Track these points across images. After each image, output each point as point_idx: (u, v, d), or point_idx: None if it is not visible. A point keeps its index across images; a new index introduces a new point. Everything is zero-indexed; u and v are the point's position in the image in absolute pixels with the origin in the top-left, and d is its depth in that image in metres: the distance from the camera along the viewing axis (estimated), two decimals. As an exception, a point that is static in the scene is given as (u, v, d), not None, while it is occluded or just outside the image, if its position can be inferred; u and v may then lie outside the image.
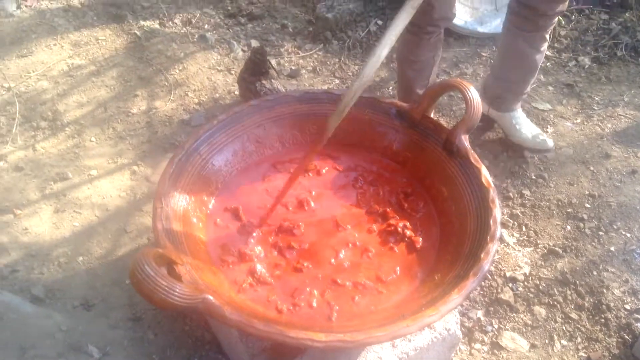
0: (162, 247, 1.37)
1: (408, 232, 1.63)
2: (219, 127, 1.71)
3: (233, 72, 2.83)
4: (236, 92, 2.68)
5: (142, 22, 3.15)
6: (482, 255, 1.43)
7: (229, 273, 1.51)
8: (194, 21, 3.22)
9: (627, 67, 2.95)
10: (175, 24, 3.20)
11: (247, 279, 1.50)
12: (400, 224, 1.63)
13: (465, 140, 1.69)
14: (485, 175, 1.61)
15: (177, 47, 2.98)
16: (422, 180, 1.78)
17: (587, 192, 2.27)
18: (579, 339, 1.83)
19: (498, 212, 1.53)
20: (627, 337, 1.82)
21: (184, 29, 3.14)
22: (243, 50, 3.00)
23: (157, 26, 3.15)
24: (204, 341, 1.78)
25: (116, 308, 1.86)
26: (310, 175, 1.79)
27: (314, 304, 1.46)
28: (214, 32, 3.13)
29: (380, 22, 3.14)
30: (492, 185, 1.60)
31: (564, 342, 1.83)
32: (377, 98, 1.83)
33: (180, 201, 1.55)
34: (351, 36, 3.07)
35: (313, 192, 1.73)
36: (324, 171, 1.80)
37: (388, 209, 1.67)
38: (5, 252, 1.98)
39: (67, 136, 2.45)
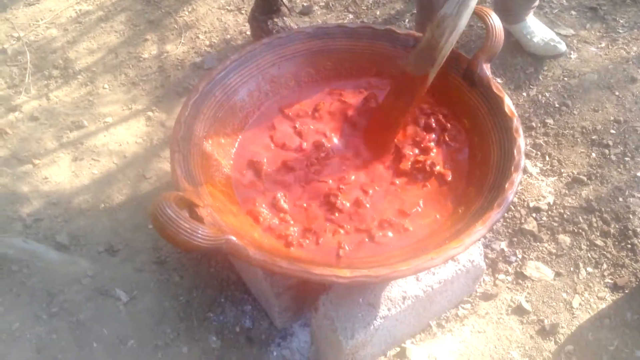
0: (182, 190, 1.37)
1: (437, 168, 1.61)
2: (232, 67, 1.67)
3: (243, 12, 2.75)
4: (248, 32, 2.62)
5: (147, -37, 3.07)
6: (506, 186, 1.41)
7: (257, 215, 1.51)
8: (201, -41, 3.12)
9: (654, -14, 2.82)
10: (183, -37, 3.11)
11: (274, 216, 1.51)
12: (429, 161, 1.60)
13: (487, 69, 1.64)
14: (508, 104, 1.57)
15: (185, -13, 2.91)
16: (443, 112, 1.73)
17: (612, 118, 2.21)
18: (605, 266, 1.82)
19: (522, 141, 1.50)
20: (654, 262, 1.81)
21: (192, -32, 3.06)
22: (253, -13, 2.91)
23: (164, -34, 3.06)
24: (229, 282, 1.80)
25: (140, 252, 1.87)
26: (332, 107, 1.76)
27: (327, 240, 1.46)
28: (222, -30, 3.03)
29: (392, -49, 3.02)
30: (516, 114, 1.55)
31: (589, 269, 1.82)
32: (393, 29, 1.77)
33: (197, 144, 1.53)
34: (364, -33, 2.96)
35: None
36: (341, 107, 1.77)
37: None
38: (27, 202, 1.99)
39: (79, 84, 2.42)
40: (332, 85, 1.81)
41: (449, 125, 1.69)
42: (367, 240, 1.48)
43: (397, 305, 1.53)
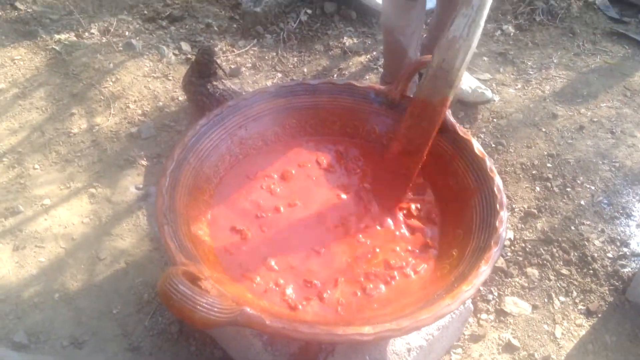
0: (179, 265, 1.29)
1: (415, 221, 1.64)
2: (202, 132, 1.62)
3: (171, 78, 2.70)
4: (180, 98, 2.57)
5: (56, 36, 2.93)
6: (497, 224, 1.45)
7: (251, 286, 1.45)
8: (112, 29, 3.04)
9: (548, 30, 3.11)
10: (93, 34, 3.00)
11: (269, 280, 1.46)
12: (413, 206, 1.63)
13: (449, 114, 1.70)
14: (477, 146, 1.63)
15: (104, 57, 2.80)
16: (411, 160, 1.78)
17: (545, 153, 2.36)
18: (575, 293, 1.91)
19: (499, 179, 1.56)
20: (617, 283, 1.92)
21: (104, 38, 2.96)
22: (174, 54, 2.87)
23: (75, 38, 2.94)
24: (215, 359, 1.69)
25: (110, 340, 1.73)
26: (294, 172, 1.74)
27: (341, 300, 1.43)
28: (138, 38, 2.96)
29: (309, 11, 3.10)
30: (486, 154, 1.62)
31: (562, 298, 1.90)
32: (353, 83, 1.80)
33: (182, 214, 1.46)
34: (284, 28, 3.01)
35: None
36: (309, 166, 1.76)
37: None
38: (-31, 302, 1.79)
39: (5, 167, 2.24)
40: (299, 142, 1.81)
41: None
42: (359, 294, 1.46)
43: (404, 358, 1.51)
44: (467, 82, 2.57)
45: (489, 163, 1.59)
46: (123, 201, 2.12)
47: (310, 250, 1.53)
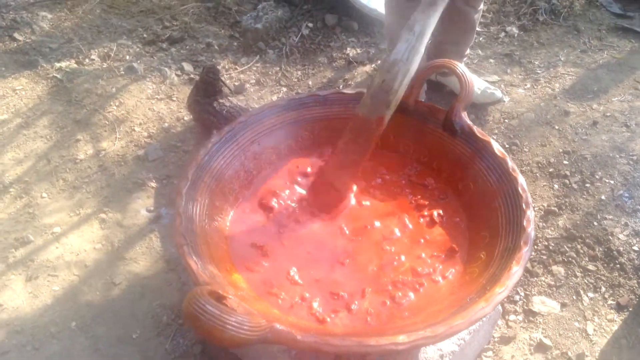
0: (203, 284, 1.25)
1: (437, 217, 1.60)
2: (215, 149, 1.59)
3: (175, 99, 2.67)
4: (186, 118, 2.54)
5: (57, 64, 2.91)
6: (524, 223, 1.41)
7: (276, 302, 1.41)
8: (112, 54, 3.02)
9: (552, 29, 3.09)
10: (94, 60, 2.99)
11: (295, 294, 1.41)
12: (435, 212, 1.59)
13: (465, 117, 1.67)
14: (497, 146, 1.60)
15: (106, 83, 2.78)
16: (429, 164, 1.74)
17: (560, 150, 2.33)
18: (603, 288, 1.86)
19: (522, 178, 1.52)
20: (646, 276, 1.88)
21: (105, 63, 2.94)
22: (177, 75, 2.84)
23: (75, 65, 2.92)
24: (241, 379, 1.65)
25: (131, 367, 1.68)
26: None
27: (370, 310, 1.39)
28: (139, 61, 2.94)
29: (310, 25, 3.09)
30: (506, 154, 1.58)
31: (590, 294, 1.85)
32: (363, 92, 1.77)
33: (200, 234, 1.42)
34: (286, 43, 2.99)
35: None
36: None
37: (420, 200, 1.64)
38: (-15, 336, 1.74)
39: (13, 197, 2.20)
40: (314, 153, 1.77)
41: (427, 183, 1.70)
42: (388, 303, 1.42)
43: (437, 366, 1.47)
44: (476, 84, 2.54)
45: (511, 163, 1.56)
46: (134, 224, 2.08)
47: (334, 262, 1.49)
